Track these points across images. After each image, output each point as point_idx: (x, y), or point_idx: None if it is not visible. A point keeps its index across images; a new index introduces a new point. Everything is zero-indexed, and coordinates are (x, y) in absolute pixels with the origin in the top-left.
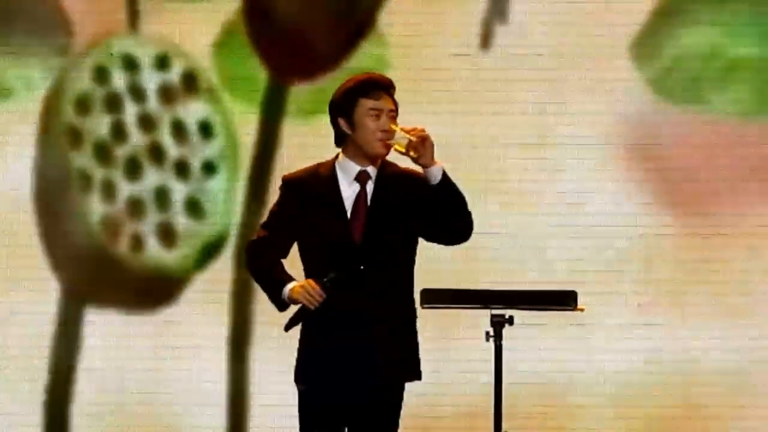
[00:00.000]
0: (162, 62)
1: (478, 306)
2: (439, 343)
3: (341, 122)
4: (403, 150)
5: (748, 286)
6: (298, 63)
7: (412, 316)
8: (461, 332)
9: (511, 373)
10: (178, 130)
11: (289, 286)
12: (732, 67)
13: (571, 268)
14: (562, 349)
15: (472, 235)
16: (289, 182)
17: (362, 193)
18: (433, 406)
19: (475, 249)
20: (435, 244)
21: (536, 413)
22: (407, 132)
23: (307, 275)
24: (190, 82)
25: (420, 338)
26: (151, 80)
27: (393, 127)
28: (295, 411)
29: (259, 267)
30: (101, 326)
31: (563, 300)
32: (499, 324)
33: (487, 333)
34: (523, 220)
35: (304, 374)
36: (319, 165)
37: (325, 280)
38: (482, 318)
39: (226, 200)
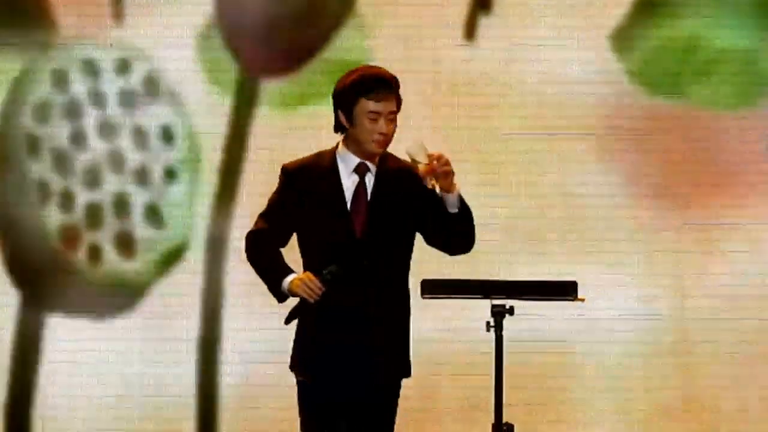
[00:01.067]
0: (123, 67)
1: (479, 296)
2: (440, 332)
3: (340, 115)
4: (421, 173)
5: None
6: (271, 58)
7: (407, 312)
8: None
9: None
10: (139, 136)
11: (289, 278)
12: (712, 59)
13: (570, 259)
14: (562, 340)
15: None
16: (289, 171)
17: (361, 186)
18: (434, 397)
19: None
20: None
21: (536, 404)
22: (431, 158)
23: (306, 267)
24: (152, 87)
25: (421, 328)
26: (112, 85)
27: (414, 159)
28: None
29: (259, 258)
30: (62, 332)
31: (564, 290)
32: (499, 314)
33: (488, 323)
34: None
35: (301, 365)
36: (319, 154)
37: (324, 273)
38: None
39: (188, 207)
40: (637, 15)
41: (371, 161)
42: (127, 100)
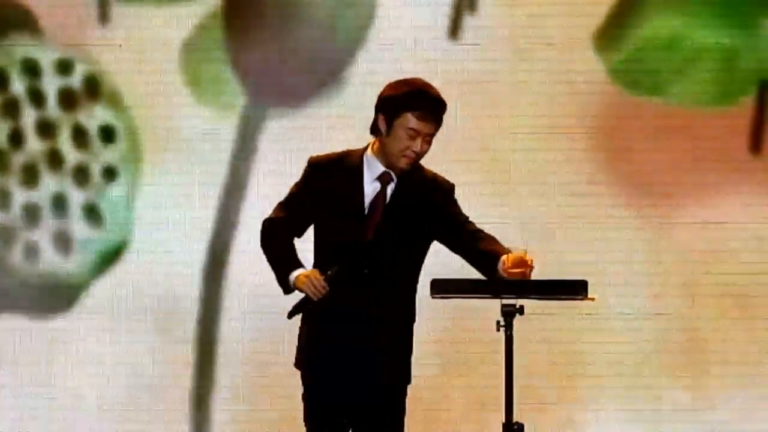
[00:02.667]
0: (64, 67)
1: (489, 296)
2: (449, 333)
3: (380, 119)
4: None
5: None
6: (283, 90)
7: (411, 319)
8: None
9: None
10: (79, 135)
11: (296, 273)
12: (692, 57)
13: (580, 258)
14: (573, 340)
15: (482, 226)
16: (315, 165)
17: (381, 194)
18: (444, 396)
19: None
20: None
21: (548, 403)
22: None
23: (316, 263)
24: (93, 87)
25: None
26: (51, 85)
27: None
28: None
29: (271, 246)
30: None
31: (574, 289)
32: (509, 314)
33: (498, 323)
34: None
35: (305, 363)
36: (347, 153)
37: (329, 273)
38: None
39: (126, 206)
40: (619, 14)
41: (395, 171)
42: (68, 99)
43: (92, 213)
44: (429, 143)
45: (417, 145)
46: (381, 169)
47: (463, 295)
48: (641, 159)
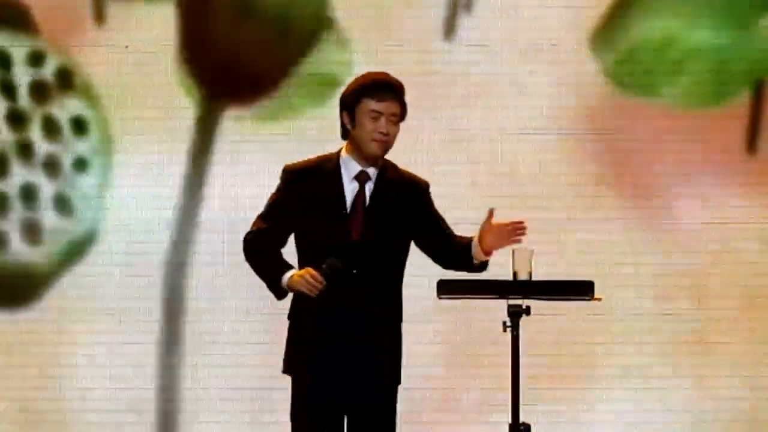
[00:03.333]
0: (36, 59)
1: (495, 296)
2: (456, 334)
3: (344, 117)
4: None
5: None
6: (234, 88)
7: (400, 319)
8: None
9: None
10: (50, 126)
11: (288, 274)
12: (685, 57)
13: (587, 258)
14: (579, 341)
15: None
16: (291, 172)
17: (360, 193)
18: (451, 397)
19: None
20: None
21: (555, 404)
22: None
23: (301, 268)
24: (65, 79)
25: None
26: (23, 76)
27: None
28: None
29: (257, 257)
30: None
31: (581, 290)
32: (516, 314)
33: (504, 323)
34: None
35: (293, 366)
36: (322, 158)
37: (324, 267)
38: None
39: (97, 197)
40: (613, 15)
41: (374, 166)
42: (40, 91)
43: (63, 203)
44: (395, 123)
45: (382, 125)
46: (358, 168)
47: (469, 296)
48: (645, 160)
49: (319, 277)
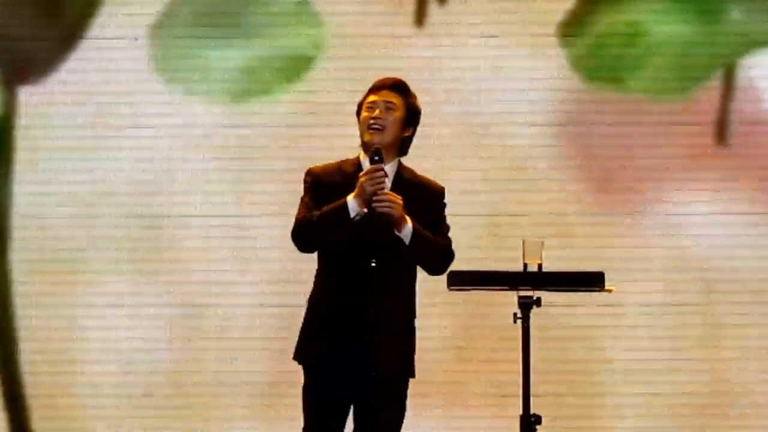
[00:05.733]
0: None
1: (506, 288)
2: (466, 325)
3: (358, 123)
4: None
5: None
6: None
7: (413, 314)
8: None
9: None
10: None
11: (350, 196)
12: (653, 46)
13: (598, 253)
14: (590, 336)
15: (500, 219)
16: (315, 173)
17: None
18: (462, 388)
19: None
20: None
21: (565, 395)
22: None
23: (320, 264)
24: None
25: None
26: None
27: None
28: None
29: (312, 221)
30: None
31: (591, 281)
32: (526, 306)
33: (515, 315)
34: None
35: (303, 355)
36: (343, 161)
37: (376, 158)
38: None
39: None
40: (581, 3)
41: (368, 150)
42: None
43: None
44: (390, 110)
45: (376, 113)
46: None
47: (479, 287)
48: (647, 153)
49: (380, 171)
